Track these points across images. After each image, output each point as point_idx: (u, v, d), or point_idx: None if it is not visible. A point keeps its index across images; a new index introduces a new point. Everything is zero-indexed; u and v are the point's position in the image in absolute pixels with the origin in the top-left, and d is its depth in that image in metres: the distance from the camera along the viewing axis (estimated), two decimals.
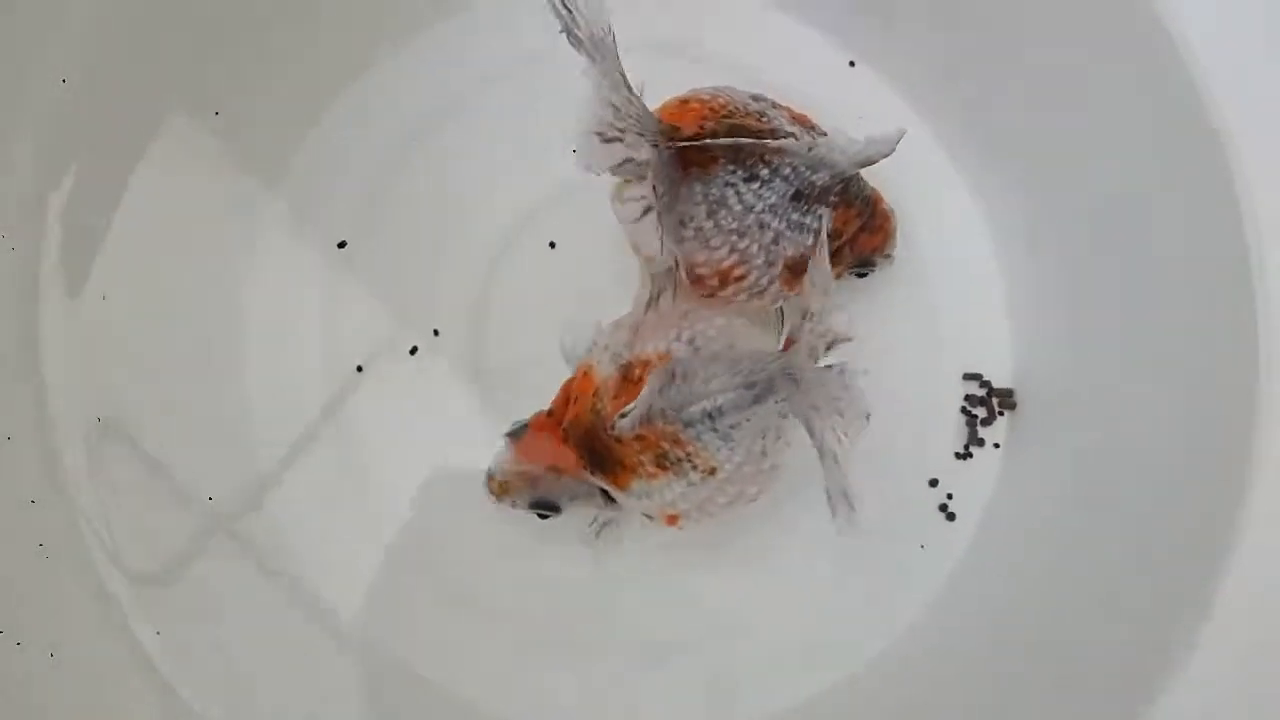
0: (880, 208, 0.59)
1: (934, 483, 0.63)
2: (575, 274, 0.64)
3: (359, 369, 0.64)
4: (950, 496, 0.62)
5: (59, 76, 0.61)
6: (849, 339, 0.50)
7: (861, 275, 0.61)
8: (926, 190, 0.65)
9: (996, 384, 0.64)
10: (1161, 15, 0.57)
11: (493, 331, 0.64)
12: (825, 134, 0.57)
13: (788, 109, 0.57)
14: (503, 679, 0.61)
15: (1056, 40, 0.62)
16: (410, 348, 0.64)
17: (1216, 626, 0.53)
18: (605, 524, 0.59)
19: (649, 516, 0.55)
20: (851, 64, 0.67)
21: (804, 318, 0.49)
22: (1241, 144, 0.56)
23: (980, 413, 0.63)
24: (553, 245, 0.65)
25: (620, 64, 0.48)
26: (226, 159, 0.65)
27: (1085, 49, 0.61)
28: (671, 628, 0.62)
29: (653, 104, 0.52)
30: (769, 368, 0.50)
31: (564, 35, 0.47)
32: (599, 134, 0.50)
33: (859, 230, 0.58)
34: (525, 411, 0.57)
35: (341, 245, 0.65)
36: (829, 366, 0.49)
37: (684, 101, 0.55)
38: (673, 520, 0.54)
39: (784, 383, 0.50)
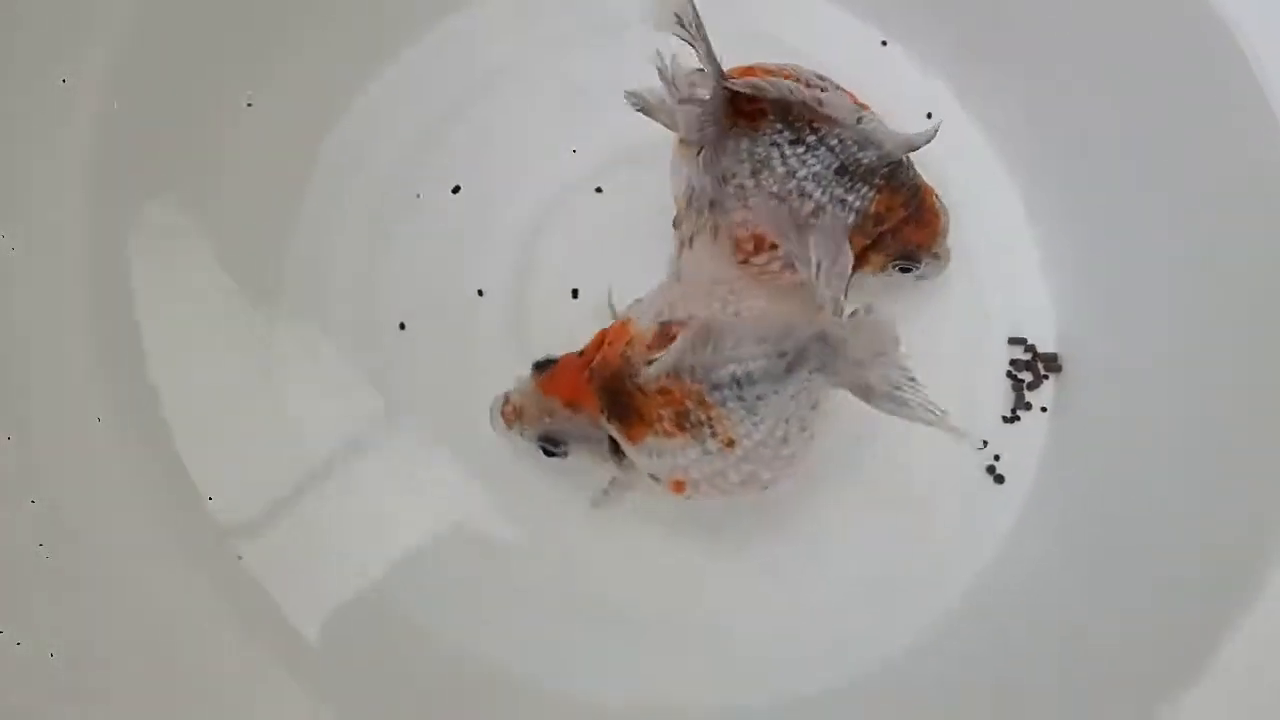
0: (929, 201, 0.59)
1: (983, 444, 0.62)
2: (620, 247, 0.64)
3: (401, 326, 0.64)
4: (998, 458, 0.62)
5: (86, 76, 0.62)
6: (849, 274, 0.50)
7: (905, 271, 0.60)
8: (965, 164, 0.66)
9: (1041, 349, 0.64)
10: None
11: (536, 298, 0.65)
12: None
13: (851, 95, 0.57)
14: (536, 645, 0.61)
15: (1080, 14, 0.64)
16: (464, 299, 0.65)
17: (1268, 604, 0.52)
18: (614, 486, 0.59)
19: (655, 478, 0.54)
20: (884, 43, 0.69)
21: (816, 272, 0.49)
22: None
23: (1026, 377, 0.63)
24: (599, 189, 0.66)
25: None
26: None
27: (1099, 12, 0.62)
28: (696, 602, 0.61)
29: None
30: (801, 336, 0.49)
31: None
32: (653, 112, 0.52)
33: (904, 221, 0.58)
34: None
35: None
36: (853, 313, 0.49)
37: (749, 68, 0.56)
38: (679, 487, 0.53)
39: (817, 349, 0.49)
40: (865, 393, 0.49)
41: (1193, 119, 0.60)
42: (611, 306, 0.58)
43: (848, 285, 0.51)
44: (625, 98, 0.53)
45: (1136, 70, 0.62)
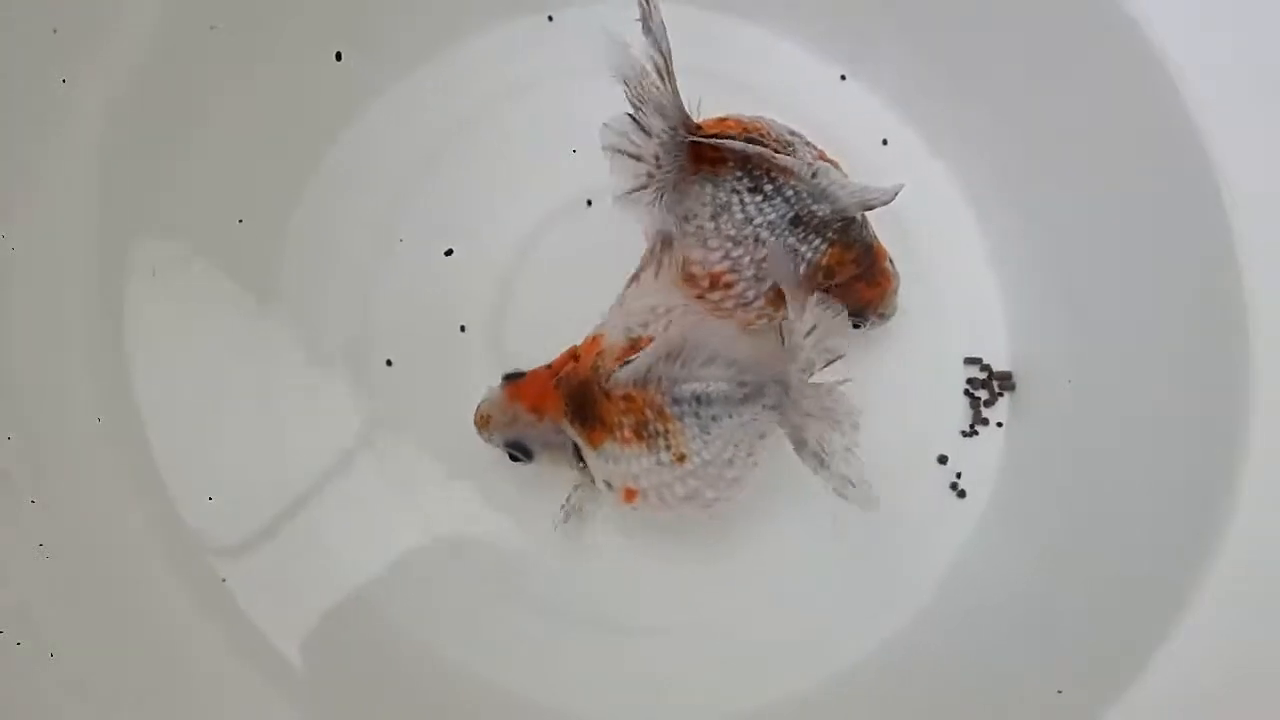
0: (881, 264, 0.61)
1: (943, 459, 0.66)
2: (597, 276, 0.66)
3: (388, 363, 0.67)
4: (959, 475, 0.66)
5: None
6: (841, 355, 0.54)
7: (854, 326, 0.62)
8: (923, 191, 0.69)
9: (996, 368, 0.67)
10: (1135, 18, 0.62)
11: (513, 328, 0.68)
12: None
13: (820, 151, 0.60)
14: (527, 659, 0.63)
15: (1027, 38, 0.68)
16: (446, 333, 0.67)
17: (1209, 597, 0.56)
18: (575, 507, 0.62)
19: (609, 485, 0.57)
20: (843, 77, 0.72)
21: (806, 334, 0.53)
22: (1218, 137, 0.60)
23: (982, 394, 0.67)
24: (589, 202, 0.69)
25: (669, 51, 0.53)
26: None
27: (1057, 43, 0.66)
28: (684, 609, 0.64)
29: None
30: (763, 373, 0.53)
31: (640, 22, 0.52)
32: (621, 149, 0.55)
33: (855, 278, 0.60)
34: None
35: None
36: (820, 383, 0.53)
37: (722, 119, 0.59)
38: (630, 496, 0.57)
39: (774, 390, 0.54)
40: (799, 444, 0.54)
41: (1141, 148, 0.64)
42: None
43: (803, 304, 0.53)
44: (600, 132, 0.55)
45: (1090, 99, 0.66)
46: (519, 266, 0.69)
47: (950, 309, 0.69)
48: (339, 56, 0.69)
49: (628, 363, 0.53)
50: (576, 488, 0.62)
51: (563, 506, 0.62)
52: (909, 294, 0.67)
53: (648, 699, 0.63)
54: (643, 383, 0.53)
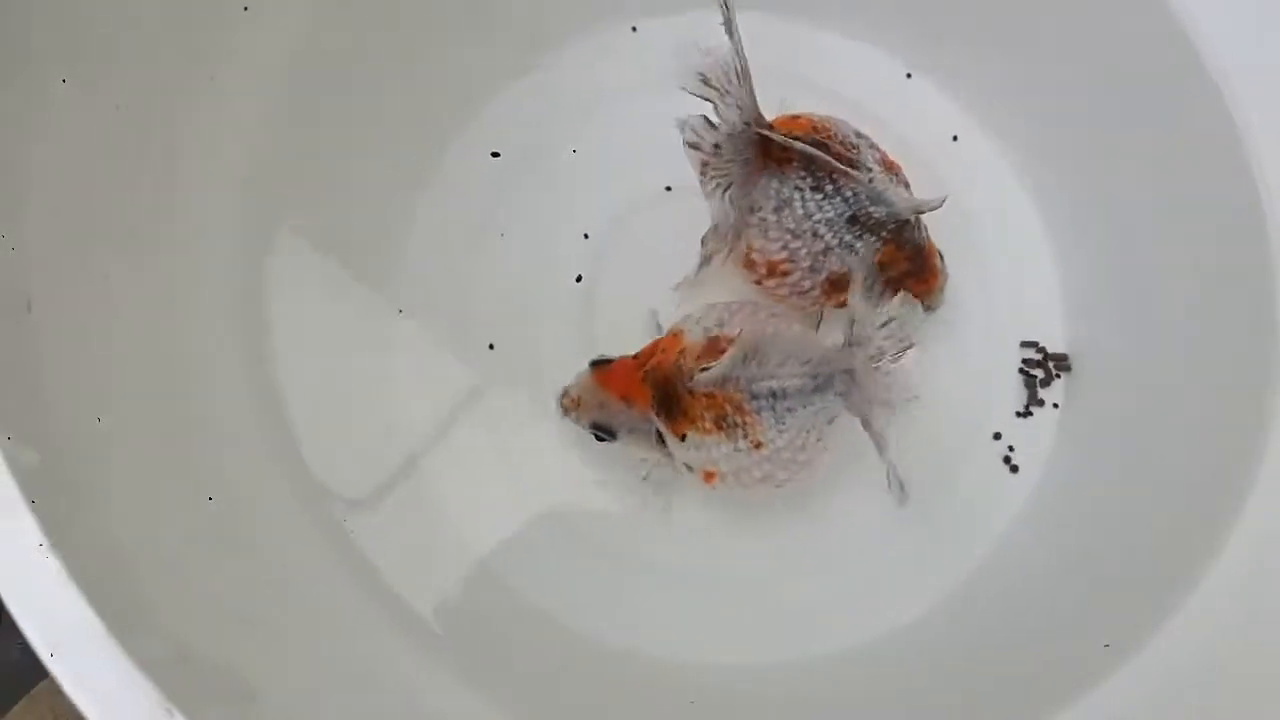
0: (931, 262, 0.65)
1: (997, 436, 0.70)
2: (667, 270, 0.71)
3: (490, 346, 0.72)
4: (1012, 449, 0.69)
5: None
6: (911, 345, 0.58)
7: None
8: (983, 180, 0.74)
9: (1051, 350, 0.71)
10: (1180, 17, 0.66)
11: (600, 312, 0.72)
12: (903, 181, 0.65)
13: (883, 153, 0.64)
14: (605, 604, 0.68)
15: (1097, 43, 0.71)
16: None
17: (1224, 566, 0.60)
18: (658, 481, 0.67)
19: (690, 468, 0.62)
20: (909, 75, 0.76)
21: (880, 326, 0.57)
22: (1259, 138, 0.64)
23: (1038, 374, 0.70)
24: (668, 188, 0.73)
25: (744, 52, 0.58)
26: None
27: (1105, 43, 0.70)
28: (745, 564, 0.69)
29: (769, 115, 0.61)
30: (832, 365, 0.58)
31: (723, 25, 0.57)
32: (696, 144, 0.60)
33: (905, 273, 0.64)
34: None
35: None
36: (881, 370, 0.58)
37: (795, 116, 0.63)
38: (710, 478, 0.61)
39: (842, 378, 0.58)
40: (866, 424, 0.59)
41: (1200, 138, 0.67)
42: (658, 325, 0.66)
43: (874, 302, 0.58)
44: (679, 127, 0.60)
45: (1151, 96, 0.69)
46: (604, 254, 0.74)
47: (1008, 293, 0.73)
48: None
49: (708, 368, 0.58)
50: (652, 465, 0.66)
51: (644, 479, 0.67)
52: (970, 280, 0.72)
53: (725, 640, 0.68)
54: (722, 384, 0.58)
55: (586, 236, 0.74)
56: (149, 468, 0.59)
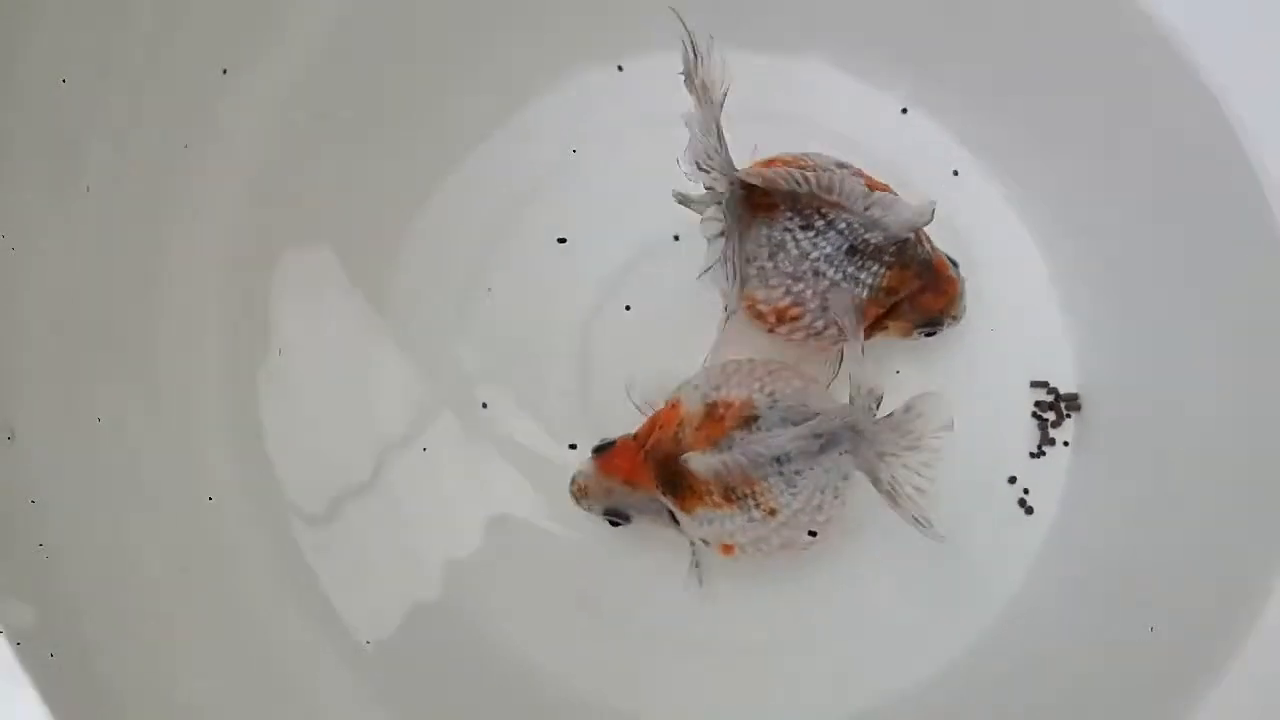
0: (944, 273, 0.64)
1: (1012, 480, 0.69)
2: (653, 332, 0.71)
3: (484, 405, 0.70)
4: (1027, 491, 0.69)
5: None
6: (880, 395, 0.57)
7: (929, 334, 0.66)
8: (985, 218, 0.72)
9: (1062, 390, 0.70)
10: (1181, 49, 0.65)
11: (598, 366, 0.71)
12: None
13: (868, 178, 0.62)
14: (618, 674, 0.67)
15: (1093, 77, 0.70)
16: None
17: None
18: (696, 563, 0.65)
19: (705, 543, 0.61)
20: (904, 111, 0.75)
21: (856, 387, 0.56)
22: (1270, 167, 0.64)
23: (1050, 416, 0.70)
24: (628, 308, 0.72)
25: (719, 115, 0.57)
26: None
27: (1115, 72, 0.69)
28: (764, 628, 0.68)
29: (747, 163, 0.60)
30: (835, 421, 0.57)
31: (683, 78, 0.56)
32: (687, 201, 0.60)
33: (920, 290, 0.63)
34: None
35: None
36: (889, 415, 0.56)
37: (770, 161, 0.62)
38: (728, 550, 0.60)
39: (846, 435, 0.57)
40: (875, 482, 0.57)
41: (1206, 168, 0.67)
42: (635, 405, 0.64)
43: (861, 347, 0.58)
44: (673, 195, 0.60)
45: (1149, 127, 0.69)
46: (604, 302, 0.72)
47: (1016, 335, 0.71)
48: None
49: (697, 455, 0.57)
50: (693, 544, 0.65)
51: (695, 566, 0.65)
52: (977, 321, 0.70)
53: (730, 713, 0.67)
54: (714, 474, 0.57)
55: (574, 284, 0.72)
56: None
